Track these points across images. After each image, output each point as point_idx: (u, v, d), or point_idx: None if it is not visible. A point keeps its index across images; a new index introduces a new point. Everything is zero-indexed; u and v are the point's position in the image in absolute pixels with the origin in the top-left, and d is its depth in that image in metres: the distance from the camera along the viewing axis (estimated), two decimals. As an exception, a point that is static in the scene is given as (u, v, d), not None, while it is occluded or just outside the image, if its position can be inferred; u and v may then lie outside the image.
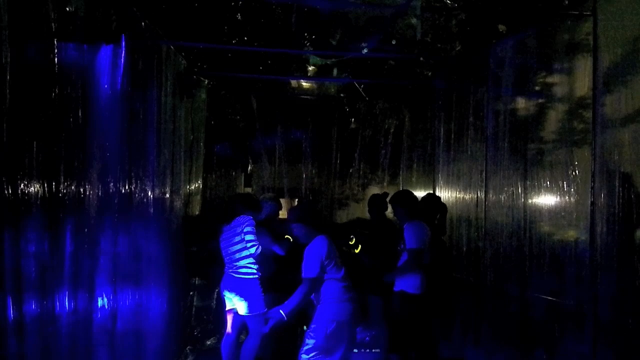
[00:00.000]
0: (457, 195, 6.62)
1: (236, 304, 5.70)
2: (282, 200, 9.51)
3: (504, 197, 5.56)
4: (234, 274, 5.70)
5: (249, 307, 5.62)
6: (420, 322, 5.44)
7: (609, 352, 4.13)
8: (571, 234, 4.68)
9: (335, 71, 7.90)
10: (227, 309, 5.84)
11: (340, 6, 6.57)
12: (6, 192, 2.75)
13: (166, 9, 5.67)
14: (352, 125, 9.37)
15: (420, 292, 5.35)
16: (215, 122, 8.27)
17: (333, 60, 7.46)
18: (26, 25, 2.99)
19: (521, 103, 5.66)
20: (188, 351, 6.63)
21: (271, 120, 8.95)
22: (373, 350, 6.71)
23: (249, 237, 5.60)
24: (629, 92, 4.05)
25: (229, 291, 5.72)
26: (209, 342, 6.96)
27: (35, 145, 2.98)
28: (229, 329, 5.85)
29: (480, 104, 6.22)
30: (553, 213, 4.91)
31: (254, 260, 5.69)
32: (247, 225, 5.65)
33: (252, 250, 5.60)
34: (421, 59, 7.35)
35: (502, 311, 5.54)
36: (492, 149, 5.81)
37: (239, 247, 5.67)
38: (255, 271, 5.71)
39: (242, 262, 5.68)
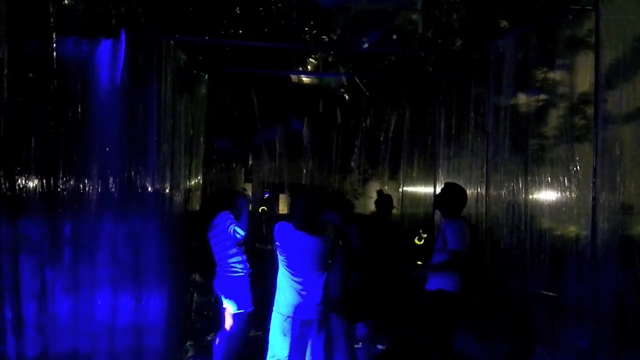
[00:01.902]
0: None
1: (225, 302, 5.71)
2: (282, 196, 9.52)
3: (505, 193, 5.54)
4: (226, 272, 5.71)
5: (238, 305, 5.65)
6: (457, 320, 5.30)
7: (610, 348, 4.13)
8: (572, 230, 4.67)
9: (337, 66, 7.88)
10: (223, 306, 5.84)
11: (342, 1, 6.55)
12: (4, 186, 2.74)
13: (166, 3, 5.65)
14: (352, 120, 9.36)
15: (459, 291, 5.14)
16: (215, 117, 8.25)
17: (333, 55, 7.45)
18: (25, 19, 2.97)
19: (522, 99, 5.63)
20: (188, 346, 6.63)
21: (271, 115, 8.93)
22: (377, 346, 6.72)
23: (237, 228, 5.55)
24: (631, 88, 4.04)
25: (220, 290, 5.73)
26: (209, 338, 6.94)
27: (33, 140, 2.96)
28: (226, 326, 5.86)
29: (481, 100, 6.20)
30: (554, 209, 4.89)
31: (240, 259, 5.71)
32: (230, 222, 5.62)
33: (242, 232, 5.52)
34: (422, 54, 7.33)
35: (502, 306, 5.53)
36: (493, 145, 5.79)
37: (228, 243, 5.67)
38: (240, 269, 5.71)
39: (231, 260, 5.70)
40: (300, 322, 4.63)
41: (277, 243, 4.69)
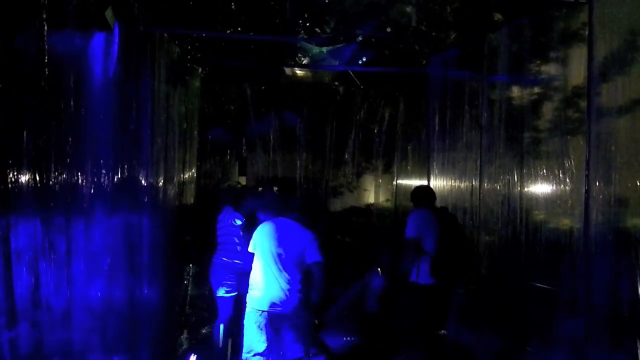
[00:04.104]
0: (452, 184, 6.62)
1: (227, 287, 5.82)
2: (277, 189, 9.51)
3: (499, 186, 5.56)
4: (232, 260, 5.82)
5: (229, 289, 5.87)
6: (426, 311, 5.41)
7: (604, 339, 4.15)
8: (566, 222, 4.69)
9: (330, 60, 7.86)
10: (228, 295, 5.90)
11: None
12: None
13: (159, -4, 5.62)
14: (346, 114, 9.34)
15: (423, 282, 5.32)
16: (209, 110, 8.24)
17: (328, 48, 7.43)
18: (16, 11, 2.94)
19: (516, 92, 5.65)
20: (183, 339, 6.63)
21: (265, 109, 8.92)
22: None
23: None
24: (625, 81, 4.04)
25: (230, 277, 5.82)
26: (204, 330, 6.95)
27: (25, 134, 2.94)
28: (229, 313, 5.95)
29: (475, 93, 6.20)
30: (548, 201, 4.91)
31: (238, 250, 5.88)
32: (235, 217, 5.86)
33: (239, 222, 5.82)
34: (416, 47, 7.32)
35: (497, 298, 5.55)
36: (487, 138, 5.80)
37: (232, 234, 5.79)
38: (233, 257, 5.92)
39: (230, 249, 5.89)
40: (276, 316, 4.73)
41: (256, 240, 4.81)
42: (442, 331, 5.93)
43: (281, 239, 4.80)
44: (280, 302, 4.73)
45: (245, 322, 4.84)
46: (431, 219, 5.45)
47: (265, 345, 4.72)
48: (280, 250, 4.78)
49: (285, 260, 4.77)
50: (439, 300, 5.45)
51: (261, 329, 4.74)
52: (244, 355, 4.80)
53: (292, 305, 4.75)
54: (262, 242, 4.84)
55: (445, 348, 6.00)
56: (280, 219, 4.97)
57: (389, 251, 6.63)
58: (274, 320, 4.76)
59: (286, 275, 4.75)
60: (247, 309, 4.84)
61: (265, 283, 4.76)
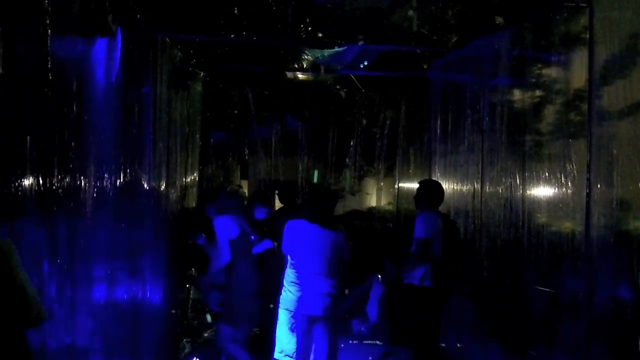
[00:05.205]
0: (454, 187, 6.62)
1: None
2: (278, 194, 9.53)
3: (501, 189, 5.56)
4: None
5: None
6: (425, 315, 5.39)
7: (605, 342, 4.15)
8: (568, 225, 4.69)
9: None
10: None
11: (337, -2, 6.56)
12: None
13: (162, 1, 5.64)
14: (348, 118, 9.35)
15: (426, 285, 5.29)
16: (211, 114, 8.26)
17: (330, 52, 7.44)
18: (19, 17, 2.96)
19: (517, 95, 5.65)
20: (185, 343, 6.64)
21: (267, 113, 8.93)
22: (370, 342, 6.74)
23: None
24: (627, 84, 4.05)
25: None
26: (206, 335, 6.96)
27: (28, 139, 2.96)
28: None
29: (476, 96, 6.21)
30: (550, 204, 4.91)
31: None
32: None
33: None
34: (418, 50, 7.33)
35: (498, 302, 5.55)
36: (489, 141, 5.80)
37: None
38: None
39: None
40: (307, 317, 4.77)
41: (285, 241, 4.82)
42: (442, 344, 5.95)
43: (313, 241, 4.81)
44: (312, 303, 4.78)
45: (278, 322, 4.89)
46: (438, 222, 5.38)
47: (296, 346, 4.77)
48: (312, 252, 4.80)
49: (316, 262, 4.79)
50: (437, 303, 5.43)
51: (292, 330, 4.81)
52: (275, 355, 4.88)
53: (323, 307, 4.79)
54: (292, 243, 4.85)
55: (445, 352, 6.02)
56: (306, 222, 4.94)
57: (391, 255, 6.63)
58: (305, 321, 4.80)
59: (317, 276, 4.79)
60: (280, 310, 4.89)
61: (296, 284, 4.81)
